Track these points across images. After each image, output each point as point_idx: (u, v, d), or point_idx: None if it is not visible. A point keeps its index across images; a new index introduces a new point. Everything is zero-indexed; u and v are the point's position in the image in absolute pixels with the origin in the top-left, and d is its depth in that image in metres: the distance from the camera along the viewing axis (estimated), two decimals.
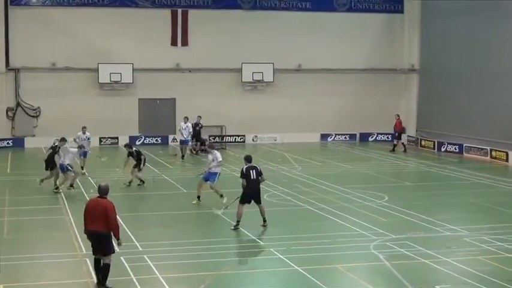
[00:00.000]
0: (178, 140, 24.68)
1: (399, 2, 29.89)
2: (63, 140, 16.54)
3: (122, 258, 10.13)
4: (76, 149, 17.71)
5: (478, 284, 9.09)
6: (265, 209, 12.33)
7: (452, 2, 26.55)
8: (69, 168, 16.34)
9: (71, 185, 16.52)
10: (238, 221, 11.84)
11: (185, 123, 23.35)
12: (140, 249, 10.81)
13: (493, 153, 23.19)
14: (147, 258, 10.14)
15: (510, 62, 23.29)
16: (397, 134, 25.97)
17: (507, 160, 22.39)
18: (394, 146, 25.93)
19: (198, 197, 14.21)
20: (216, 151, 14.74)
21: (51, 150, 16.40)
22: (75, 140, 19.49)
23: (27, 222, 13.03)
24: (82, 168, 18.98)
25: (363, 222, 12.98)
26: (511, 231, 12.13)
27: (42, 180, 16.59)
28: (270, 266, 10.21)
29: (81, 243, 10.60)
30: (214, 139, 26.45)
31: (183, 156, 23.11)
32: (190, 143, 23.67)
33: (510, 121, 22.95)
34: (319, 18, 28.89)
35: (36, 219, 13.31)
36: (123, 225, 12.99)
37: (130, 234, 11.81)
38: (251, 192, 12.04)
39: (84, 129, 19.79)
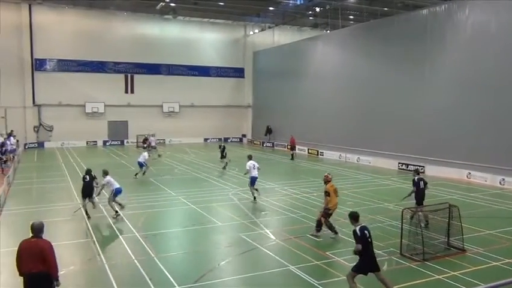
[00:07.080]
0: None
1: (242, 71, 55.56)
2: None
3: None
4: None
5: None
6: None
7: (267, 71, 50.44)
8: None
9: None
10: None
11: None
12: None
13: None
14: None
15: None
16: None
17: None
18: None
19: None
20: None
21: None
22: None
23: None
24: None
25: (224, 181, 21.14)
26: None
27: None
28: (179, 205, 16.11)
29: None
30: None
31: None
32: None
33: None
34: (201, 79, 52.96)
35: None
36: None
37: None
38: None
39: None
